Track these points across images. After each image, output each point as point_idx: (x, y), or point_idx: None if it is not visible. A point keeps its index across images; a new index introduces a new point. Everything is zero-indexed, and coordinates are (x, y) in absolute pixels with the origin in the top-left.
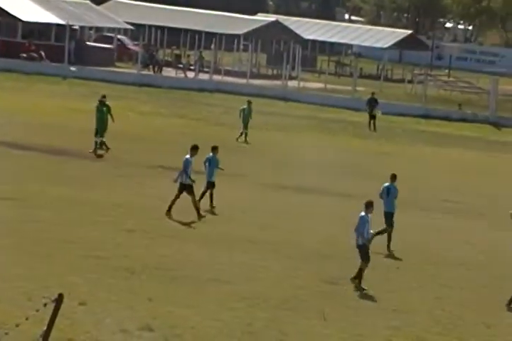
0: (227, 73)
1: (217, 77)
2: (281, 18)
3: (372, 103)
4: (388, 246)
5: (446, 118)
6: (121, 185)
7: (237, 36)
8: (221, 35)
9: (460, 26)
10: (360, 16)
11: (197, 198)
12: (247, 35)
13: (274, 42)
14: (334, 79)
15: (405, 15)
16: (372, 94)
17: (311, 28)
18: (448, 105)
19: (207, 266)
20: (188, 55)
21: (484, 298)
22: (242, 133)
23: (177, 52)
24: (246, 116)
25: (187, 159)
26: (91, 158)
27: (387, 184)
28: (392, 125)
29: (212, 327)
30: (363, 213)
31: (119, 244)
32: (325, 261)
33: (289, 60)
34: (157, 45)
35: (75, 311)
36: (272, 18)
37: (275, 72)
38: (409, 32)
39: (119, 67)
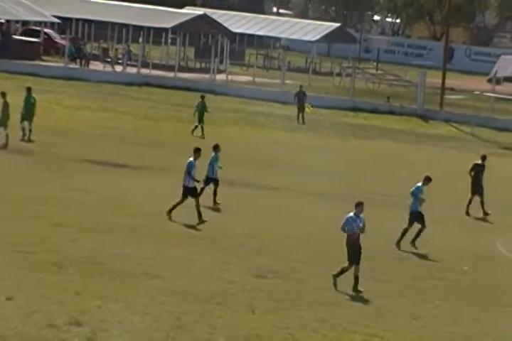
0: (155, 67)
1: (145, 71)
2: (209, 11)
3: (301, 96)
4: (413, 241)
5: (374, 111)
6: (49, 179)
7: (165, 30)
8: (149, 28)
9: (388, 19)
10: (288, 9)
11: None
12: (175, 29)
13: (202, 35)
14: (262, 72)
15: (333, 8)
16: (301, 87)
17: (239, 22)
18: (376, 98)
19: (135, 260)
20: (116, 49)
21: (411, 289)
22: (196, 127)
23: (104, 45)
24: (200, 110)
25: (190, 162)
26: (18, 152)
27: (419, 184)
28: (321, 118)
29: (140, 321)
30: (351, 214)
31: (46, 238)
32: (254, 254)
33: (217, 54)
34: (84, 38)
35: (2, 306)
36: (199, 11)
37: (203, 65)
38: (338, 25)
39: (45, 60)
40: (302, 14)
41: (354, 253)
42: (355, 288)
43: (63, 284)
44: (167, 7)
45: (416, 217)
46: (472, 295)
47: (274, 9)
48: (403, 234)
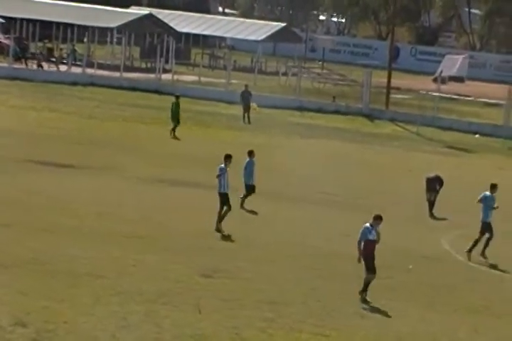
0: (101, 66)
1: (90, 71)
2: (155, 11)
3: (246, 96)
4: (483, 252)
5: (320, 110)
6: None
7: (110, 29)
8: (94, 28)
9: (333, 19)
10: (234, 9)
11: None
12: (120, 28)
13: (147, 35)
14: (208, 72)
15: (279, 7)
16: (246, 86)
17: (184, 21)
18: (322, 97)
19: (81, 261)
20: (61, 49)
21: (354, 286)
22: (173, 128)
23: (49, 45)
24: (174, 110)
25: (221, 168)
26: None
27: (487, 193)
28: (267, 117)
29: (86, 321)
30: (367, 224)
31: None
32: (200, 253)
33: (163, 53)
34: (29, 38)
35: None
36: (145, 11)
37: (149, 65)
38: (283, 24)
39: None
40: (248, 14)
41: (372, 262)
42: (362, 291)
43: (8, 284)
44: (112, 7)
45: (487, 227)
46: (418, 294)
47: (220, 9)
48: (475, 243)
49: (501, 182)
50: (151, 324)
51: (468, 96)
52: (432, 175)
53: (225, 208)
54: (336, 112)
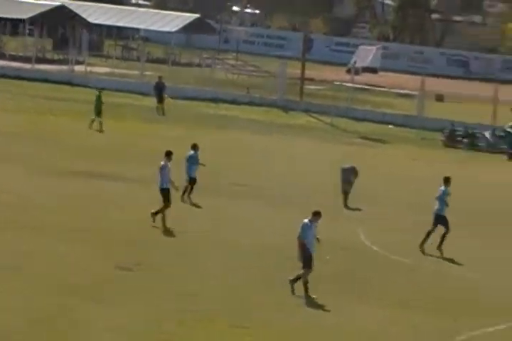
0: (13, 58)
1: (1, 62)
2: (67, 2)
3: (160, 87)
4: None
5: (235, 101)
6: None
7: (22, 21)
8: (5, 19)
9: (247, 10)
10: (147, 0)
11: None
12: (32, 20)
13: (60, 26)
14: (121, 63)
15: None
16: (160, 78)
17: (97, 12)
18: (236, 89)
19: (1, 254)
20: None
21: (276, 280)
22: (93, 121)
23: None
24: (97, 104)
25: (162, 165)
26: None
27: (442, 187)
28: (181, 109)
29: (0, 316)
30: (306, 220)
31: None
32: (122, 247)
33: (76, 45)
34: None
35: None
36: (57, 2)
37: (61, 57)
38: (197, 16)
39: None
40: (161, 5)
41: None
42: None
43: None
44: None
45: (441, 220)
46: (334, 285)
47: (133, 0)
48: (427, 235)
49: (415, 173)
50: (67, 318)
51: (382, 87)
52: (347, 165)
53: (163, 204)
54: (251, 103)
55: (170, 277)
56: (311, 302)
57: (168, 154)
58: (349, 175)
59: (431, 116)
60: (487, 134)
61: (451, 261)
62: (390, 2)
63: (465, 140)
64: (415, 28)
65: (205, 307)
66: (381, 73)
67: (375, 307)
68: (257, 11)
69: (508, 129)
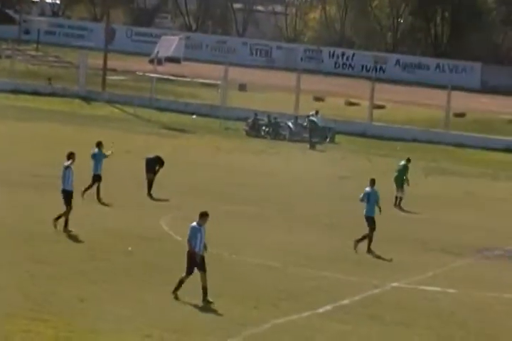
0: None
1: None
2: None
3: None
4: (369, 247)
5: (36, 92)
6: None
7: None
8: None
9: (48, 0)
10: None
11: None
12: None
13: None
14: None
15: None
16: None
17: None
18: (38, 80)
19: None
20: None
21: (75, 271)
22: None
23: None
24: None
25: (65, 166)
26: None
27: (367, 189)
28: None
29: None
30: (194, 223)
31: None
32: None
33: None
34: None
35: None
36: None
37: None
38: None
39: None
40: None
41: (189, 263)
42: (204, 298)
43: None
44: None
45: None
46: (137, 276)
47: None
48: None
49: (217, 162)
50: None
51: (185, 77)
52: (151, 155)
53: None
54: (53, 95)
55: None
56: (113, 293)
57: (71, 155)
58: (153, 165)
59: (234, 106)
60: (290, 123)
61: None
62: None
63: (268, 129)
64: (218, 17)
65: (4, 301)
66: (184, 63)
67: (181, 298)
68: (58, 1)
69: (311, 118)
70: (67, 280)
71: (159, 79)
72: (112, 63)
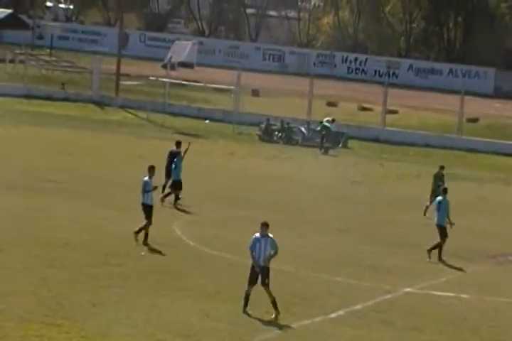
0: None
1: None
2: None
3: None
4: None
5: (49, 97)
6: None
7: None
8: None
9: (61, 5)
10: None
11: None
12: None
13: None
14: None
15: None
16: None
17: None
18: (51, 85)
19: None
20: None
21: (89, 276)
22: None
23: None
24: None
25: (146, 181)
26: None
27: (440, 197)
28: None
29: None
30: (257, 234)
31: None
32: None
33: None
34: None
35: None
36: None
37: None
38: (9, 11)
39: None
40: None
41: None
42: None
43: None
44: None
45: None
46: (150, 281)
47: None
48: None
49: (230, 167)
50: None
51: (198, 82)
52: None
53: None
54: (66, 100)
55: None
56: (127, 298)
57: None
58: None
59: (247, 111)
60: (303, 128)
61: None
62: None
63: (281, 134)
64: (231, 23)
65: (16, 305)
66: (197, 68)
67: (192, 302)
68: (71, 6)
69: (325, 123)
70: (81, 285)
71: (172, 85)
72: (125, 68)
